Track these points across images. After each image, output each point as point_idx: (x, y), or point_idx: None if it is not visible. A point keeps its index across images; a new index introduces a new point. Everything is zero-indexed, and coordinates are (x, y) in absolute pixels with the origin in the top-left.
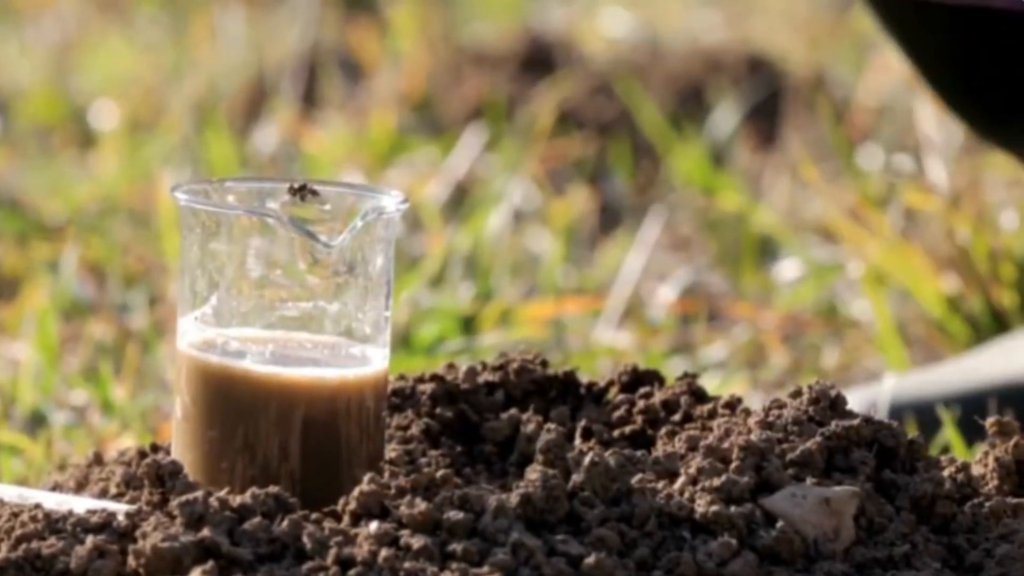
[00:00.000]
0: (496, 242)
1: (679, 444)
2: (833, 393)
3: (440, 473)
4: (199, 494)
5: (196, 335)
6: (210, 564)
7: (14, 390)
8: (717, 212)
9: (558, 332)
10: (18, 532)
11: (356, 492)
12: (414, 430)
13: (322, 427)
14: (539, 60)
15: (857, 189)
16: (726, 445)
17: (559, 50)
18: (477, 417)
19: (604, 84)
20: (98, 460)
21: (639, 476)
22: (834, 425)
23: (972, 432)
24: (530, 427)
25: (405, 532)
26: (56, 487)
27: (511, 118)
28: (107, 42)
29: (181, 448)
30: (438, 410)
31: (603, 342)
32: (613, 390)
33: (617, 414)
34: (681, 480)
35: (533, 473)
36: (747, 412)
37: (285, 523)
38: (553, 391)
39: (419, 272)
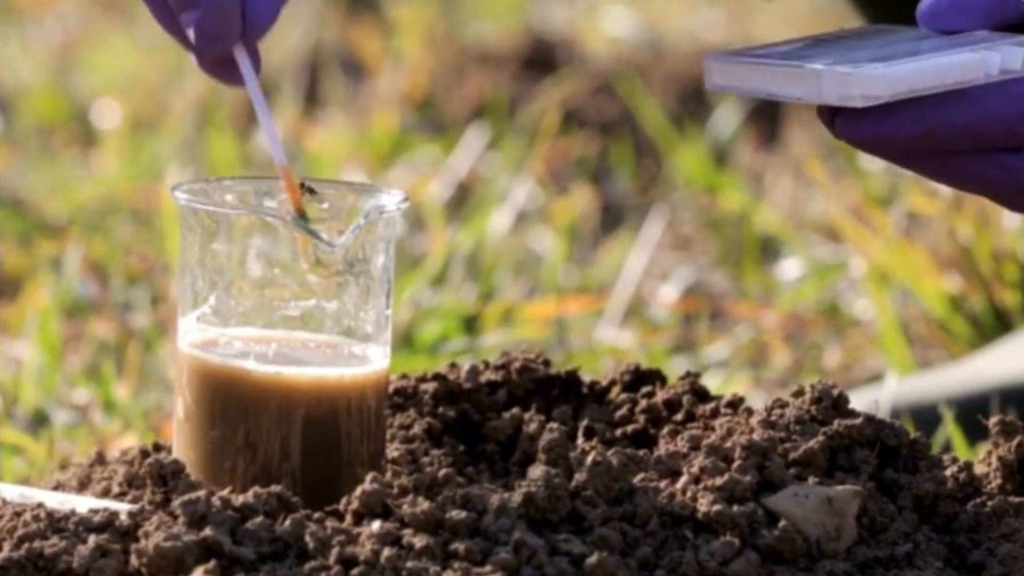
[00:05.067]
0: (498, 241)
1: (681, 443)
2: (835, 392)
3: (442, 472)
4: (201, 493)
5: (197, 335)
6: (212, 563)
7: (16, 389)
8: (719, 211)
9: (560, 331)
10: (20, 531)
11: (358, 491)
12: (416, 429)
13: (323, 426)
14: (541, 60)
15: (859, 188)
16: (728, 444)
17: (561, 49)
18: (479, 416)
19: (606, 83)
20: (100, 459)
21: (641, 475)
22: (836, 424)
23: (974, 433)
24: (532, 426)
25: (407, 531)
26: (58, 486)
27: (513, 117)
28: (109, 41)
29: (183, 447)
30: (440, 409)
31: (605, 341)
32: (615, 389)
33: (619, 413)
34: (683, 479)
35: (535, 472)
36: (749, 411)
37: (287, 522)
38: (555, 390)
39: (421, 271)
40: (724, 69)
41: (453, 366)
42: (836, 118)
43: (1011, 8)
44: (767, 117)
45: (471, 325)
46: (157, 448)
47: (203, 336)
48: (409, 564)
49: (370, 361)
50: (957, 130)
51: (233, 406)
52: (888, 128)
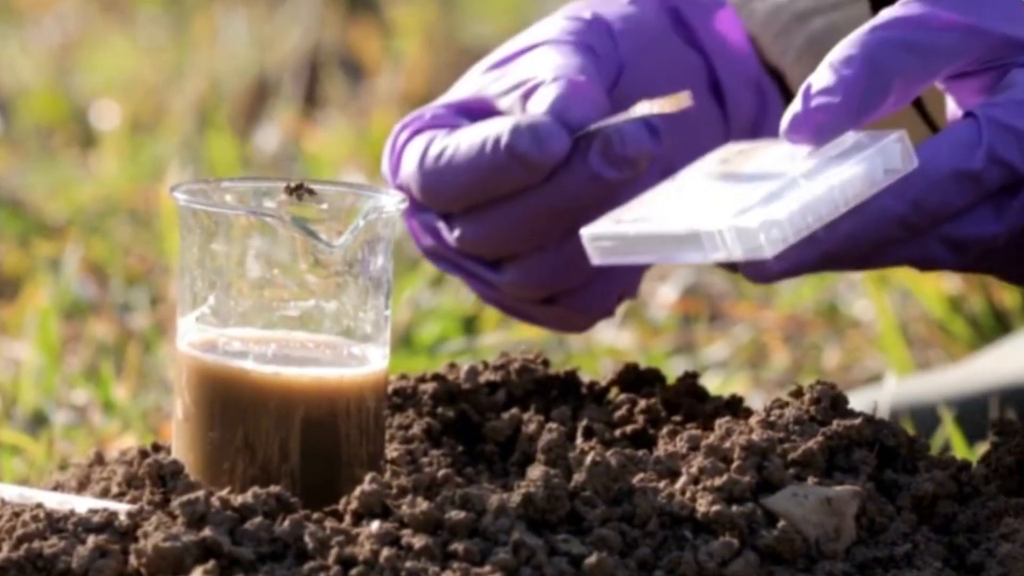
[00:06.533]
0: None
1: (680, 444)
2: (834, 393)
3: (441, 473)
4: (200, 494)
5: (196, 335)
6: (211, 564)
7: (15, 390)
8: None
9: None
10: (19, 532)
11: (357, 492)
12: (415, 430)
13: (322, 427)
14: None
15: None
16: (727, 445)
17: None
18: (478, 417)
19: None
20: (99, 460)
21: (640, 476)
22: (835, 425)
23: (973, 434)
24: (531, 427)
25: (406, 532)
26: (57, 487)
27: None
28: (108, 42)
29: (182, 448)
30: (439, 410)
31: (604, 342)
32: (614, 390)
33: (618, 414)
34: (682, 480)
35: (534, 473)
36: (748, 412)
37: (286, 523)
38: (554, 391)
39: (420, 272)
40: (606, 245)
41: (452, 366)
42: (739, 264)
43: (872, 107)
44: None
45: (470, 325)
46: (156, 448)
47: (202, 336)
48: (408, 564)
49: (369, 362)
50: (857, 242)
51: (232, 407)
52: (792, 262)
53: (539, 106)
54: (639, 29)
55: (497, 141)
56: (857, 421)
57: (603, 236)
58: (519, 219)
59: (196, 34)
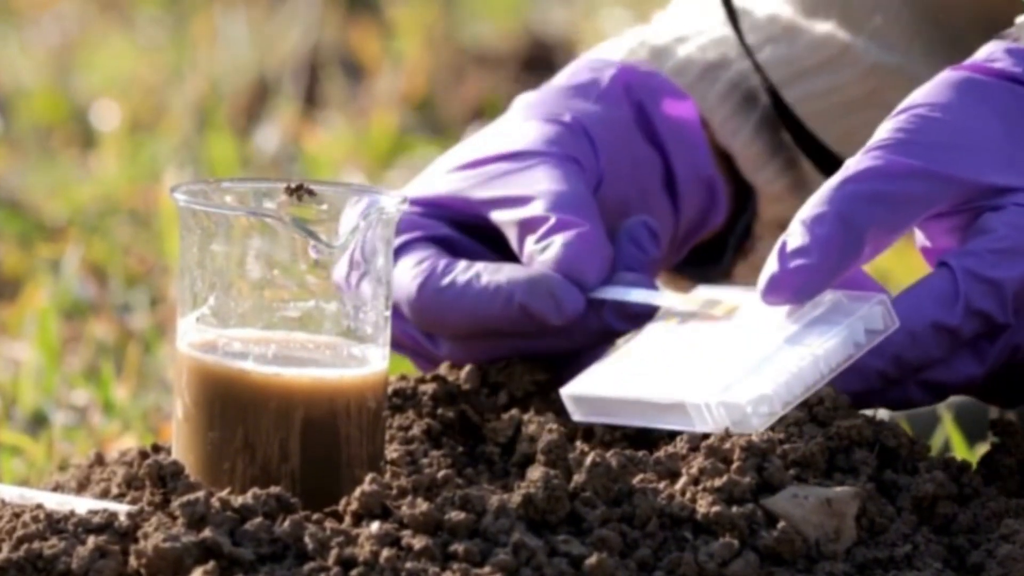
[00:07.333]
0: None
1: (680, 444)
2: (834, 393)
3: (441, 473)
4: (200, 494)
5: (196, 336)
6: (211, 564)
7: (15, 390)
8: None
9: None
10: (19, 532)
11: (357, 492)
12: (415, 430)
13: (322, 427)
14: (540, 60)
15: None
16: (727, 445)
17: (560, 50)
18: (479, 417)
19: None
20: (99, 460)
21: (640, 476)
22: (835, 425)
23: (974, 434)
24: (532, 428)
25: (407, 532)
26: (57, 487)
27: None
28: (108, 42)
29: (182, 449)
30: (439, 410)
31: None
32: None
33: None
34: (682, 480)
35: (535, 473)
36: None
37: (287, 523)
38: (554, 392)
39: None
40: (588, 404)
41: (452, 367)
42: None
43: (848, 263)
44: None
45: None
46: (156, 449)
47: (202, 337)
48: (408, 565)
49: (369, 362)
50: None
51: (232, 407)
52: (778, 416)
53: (550, 257)
54: (611, 132)
55: (511, 296)
56: (857, 421)
57: (585, 397)
58: (512, 352)
59: (196, 34)
